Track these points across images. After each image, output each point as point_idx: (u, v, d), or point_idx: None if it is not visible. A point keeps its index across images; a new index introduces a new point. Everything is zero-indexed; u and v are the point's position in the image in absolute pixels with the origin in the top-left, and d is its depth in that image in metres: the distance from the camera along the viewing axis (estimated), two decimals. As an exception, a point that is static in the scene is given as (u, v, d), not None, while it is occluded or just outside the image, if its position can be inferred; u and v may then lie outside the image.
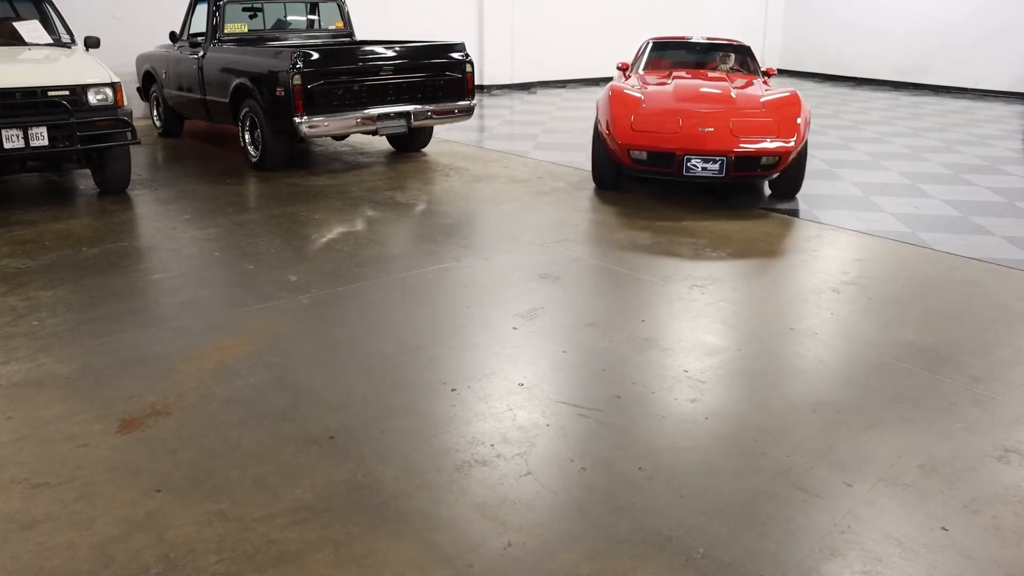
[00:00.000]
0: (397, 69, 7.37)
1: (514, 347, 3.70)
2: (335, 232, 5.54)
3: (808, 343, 3.79)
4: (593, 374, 3.45)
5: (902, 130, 10.33)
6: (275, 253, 5.05)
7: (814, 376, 3.48)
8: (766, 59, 17.26)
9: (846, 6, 16.71)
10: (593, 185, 6.89)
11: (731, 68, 7.85)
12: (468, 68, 7.85)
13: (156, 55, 9.13)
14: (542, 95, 13.69)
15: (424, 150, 8.57)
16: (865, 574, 2.26)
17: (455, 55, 7.78)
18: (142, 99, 9.69)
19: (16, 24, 6.66)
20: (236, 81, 7.45)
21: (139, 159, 7.88)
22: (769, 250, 5.22)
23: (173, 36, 8.49)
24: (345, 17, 8.98)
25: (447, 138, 9.24)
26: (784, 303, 4.32)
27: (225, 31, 8.02)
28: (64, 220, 5.77)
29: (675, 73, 7.46)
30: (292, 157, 7.99)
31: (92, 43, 6.90)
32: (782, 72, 17.37)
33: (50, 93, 5.76)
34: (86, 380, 3.34)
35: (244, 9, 8.29)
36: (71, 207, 6.17)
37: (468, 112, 7.96)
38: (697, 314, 4.12)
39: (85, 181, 7.00)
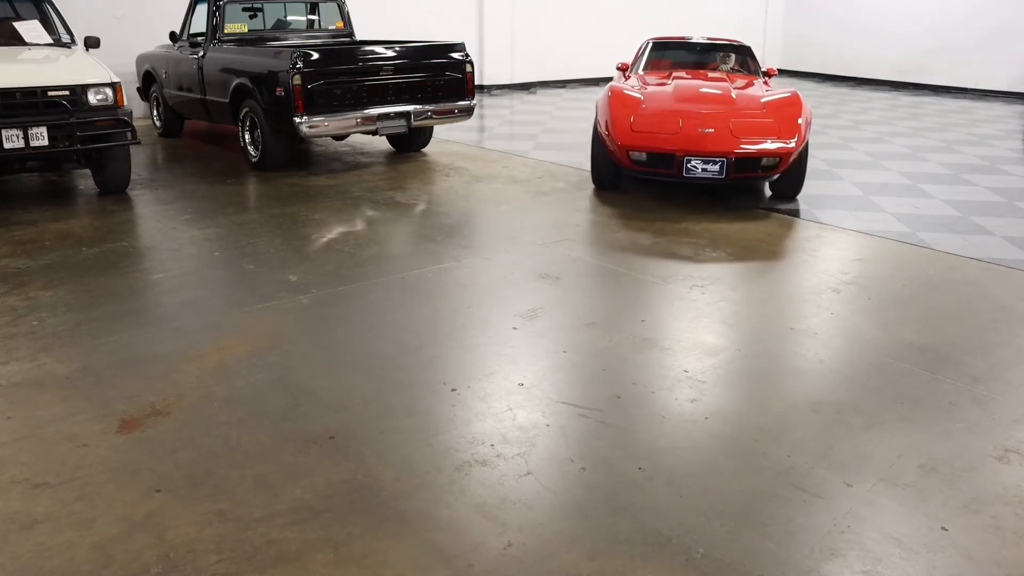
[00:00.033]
0: (397, 69, 7.38)
1: (514, 347, 3.70)
2: (335, 232, 5.54)
3: (808, 343, 3.79)
4: (593, 374, 3.45)
5: (902, 130, 10.33)
6: (275, 253, 5.05)
7: (814, 376, 3.48)
8: (766, 59, 17.26)
9: (846, 6, 16.72)
10: (593, 185, 6.89)
11: (731, 68, 7.84)
12: (468, 68, 7.85)
13: (156, 55, 9.13)
14: (542, 95, 13.69)
15: (424, 150, 8.57)
16: (865, 574, 2.26)
17: (455, 55, 7.78)
18: (142, 99, 9.69)
19: (16, 24, 6.67)
20: (236, 81, 7.45)
21: (139, 159, 7.88)
22: (769, 250, 5.22)
23: (173, 36, 8.49)
24: (345, 17, 8.98)
25: (447, 138, 9.24)
26: (784, 303, 4.32)
27: (225, 31, 8.02)
28: (64, 220, 5.77)
29: (675, 73, 7.44)
30: (292, 157, 7.99)
31: (92, 43, 6.90)
32: (782, 72, 17.36)
33: (50, 93, 5.76)
34: (86, 380, 3.34)
35: (244, 9, 8.29)
36: (71, 207, 6.17)
37: (468, 112, 7.96)
38: (697, 314, 4.12)
39: (85, 181, 7.00)
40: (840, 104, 13.01)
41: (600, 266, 4.86)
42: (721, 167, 5.90)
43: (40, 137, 5.69)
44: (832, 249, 5.25)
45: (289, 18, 8.78)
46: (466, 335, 3.83)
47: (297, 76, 6.76)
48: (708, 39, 8.17)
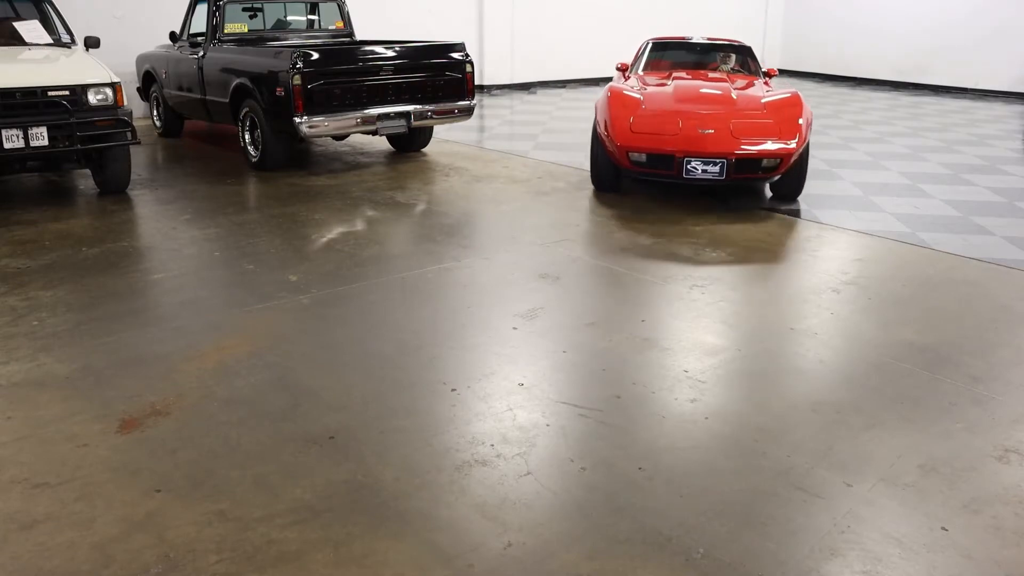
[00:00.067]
0: (397, 69, 7.38)
1: (514, 347, 3.70)
2: (335, 232, 5.54)
3: (808, 343, 3.79)
4: (593, 374, 3.45)
5: (902, 130, 10.33)
6: (275, 253, 5.05)
7: (814, 376, 3.48)
8: (766, 59, 17.26)
9: (846, 6, 16.72)
10: (593, 186, 6.89)
11: (732, 69, 7.83)
12: (468, 68, 7.85)
13: (156, 55, 9.13)
14: (542, 95, 13.70)
15: (424, 150, 8.57)
16: (865, 574, 2.26)
17: (455, 55, 7.78)
18: (142, 99, 9.69)
19: (16, 24, 6.67)
20: (236, 81, 7.45)
21: (139, 159, 7.88)
22: (769, 250, 5.22)
23: (173, 36, 8.49)
24: (345, 17, 8.99)
25: (447, 138, 9.24)
26: (784, 303, 4.32)
27: (225, 31, 8.02)
28: (64, 220, 5.78)
29: (675, 74, 7.43)
30: (292, 157, 7.99)
31: (92, 43, 6.90)
32: (782, 72, 17.35)
33: (50, 93, 5.76)
34: (86, 380, 3.34)
35: (244, 9, 8.29)
36: (71, 207, 6.17)
37: (468, 112, 7.96)
38: (697, 314, 4.12)
39: (85, 181, 7.00)
40: (840, 104, 13.01)
41: (600, 266, 4.86)
42: (721, 168, 5.88)
43: (40, 137, 5.69)
44: (832, 249, 5.25)
45: (289, 18, 8.78)
46: (466, 335, 3.83)
47: (297, 76, 6.77)
48: (708, 39, 8.15)
